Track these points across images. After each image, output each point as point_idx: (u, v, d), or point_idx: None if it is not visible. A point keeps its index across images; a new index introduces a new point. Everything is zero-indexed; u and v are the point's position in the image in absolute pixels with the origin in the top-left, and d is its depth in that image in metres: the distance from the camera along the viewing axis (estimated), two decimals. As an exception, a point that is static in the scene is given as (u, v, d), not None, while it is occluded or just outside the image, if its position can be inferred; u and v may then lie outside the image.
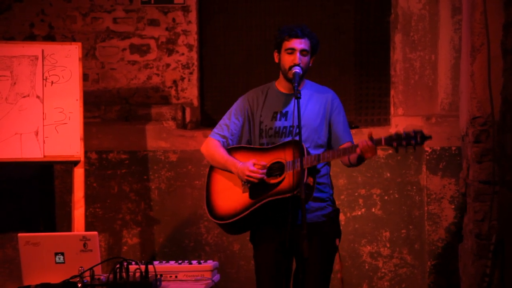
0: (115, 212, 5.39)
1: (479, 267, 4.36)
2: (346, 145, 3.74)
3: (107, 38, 5.49)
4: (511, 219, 4.07)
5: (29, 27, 5.48)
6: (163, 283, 3.55)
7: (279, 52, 3.75)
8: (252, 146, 3.79)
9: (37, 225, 5.40)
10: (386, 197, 5.26)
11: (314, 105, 3.76)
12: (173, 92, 5.49)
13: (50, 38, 5.46)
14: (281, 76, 3.79)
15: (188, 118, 5.45)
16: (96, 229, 5.15)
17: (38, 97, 4.68)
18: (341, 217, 4.99)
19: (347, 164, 3.73)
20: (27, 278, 3.51)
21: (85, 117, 4.80)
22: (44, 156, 4.64)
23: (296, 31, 3.68)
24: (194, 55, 5.49)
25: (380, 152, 5.25)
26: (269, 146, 3.72)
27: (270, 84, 3.87)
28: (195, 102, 5.50)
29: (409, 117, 5.28)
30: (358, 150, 3.46)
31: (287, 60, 3.69)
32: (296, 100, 3.50)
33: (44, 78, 4.69)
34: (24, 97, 4.67)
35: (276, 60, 3.79)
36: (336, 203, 3.86)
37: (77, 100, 4.71)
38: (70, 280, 3.35)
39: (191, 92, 5.49)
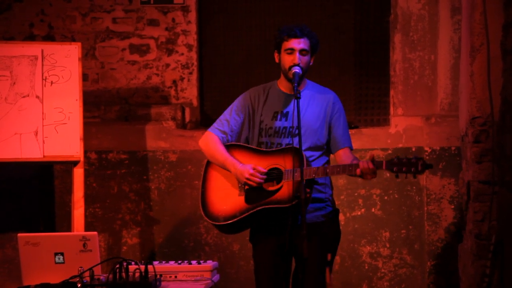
0: (115, 212, 5.39)
1: (478, 267, 4.36)
2: (344, 150, 3.75)
3: (106, 38, 5.49)
4: (510, 220, 4.07)
5: (28, 27, 5.48)
6: (162, 283, 3.55)
7: (279, 52, 3.75)
8: (251, 146, 3.78)
9: (37, 225, 5.40)
10: (385, 197, 5.26)
11: (315, 106, 3.76)
12: (172, 92, 5.49)
13: (49, 38, 5.46)
14: (282, 76, 3.79)
15: (187, 118, 5.45)
16: (95, 229, 5.15)
17: (37, 97, 4.68)
18: (341, 217, 4.99)
19: (347, 174, 3.74)
20: (26, 278, 3.51)
21: (84, 117, 4.80)
22: (44, 156, 4.64)
23: (295, 31, 3.68)
24: (194, 55, 5.49)
25: (379, 153, 5.25)
26: (269, 149, 3.71)
27: (272, 83, 3.87)
28: (195, 102, 5.50)
29: (409, 117, 5.28)
30: (358, 171, 3.47)
31: (286, 60, 3.69)
32: (296, 101, 3.50)
33: (44, 78, 4.69)
34: (23, 97, 4.67)
35: (277, 60, 3.79)
36: (336, 203, 3.86)
37: (76, 100, 4.71)
38: (70, 280, 3.35)
39: (190, 92, 5.49)
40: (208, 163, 3.82)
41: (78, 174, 4.67)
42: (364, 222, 5.27)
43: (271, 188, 3.60)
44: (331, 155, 3.85)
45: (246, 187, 3.63)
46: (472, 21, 4.38)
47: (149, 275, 3.37)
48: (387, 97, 5.43)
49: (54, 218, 5.39)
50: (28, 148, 4.61)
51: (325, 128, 3.75)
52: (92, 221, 5.34)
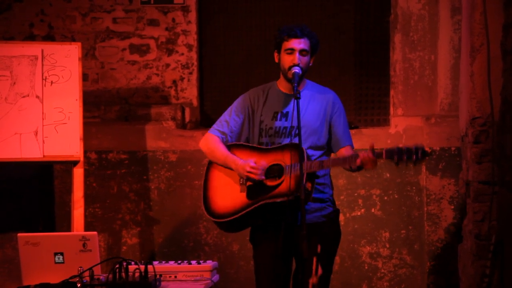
0: (115, 212, 5.39)
1: (478, 267, 4.36)
2: (345, 148, 3.75)
3: (106, 38, 5.49)
4: (510, 220, 4.07)
5: (28, 27, 5.48)
6: (162, 283, 3.55)
7: (278, 52, 3.75)
8: (252, 145, 3.79)
9: (37, 225, 5.40)
10: (385, 198, 5.26)
11: (315, 106, 3.76)
12: (172, 92, 5.49)
13: (49, 38, 5.46)
14: (281, 76, 3.79)
15: (187, 118, 5.45)
16: (95, 229, 5.15)
17: (37, 97, 4.68)
18: (341, 217, 4.97)
19: (347, 169, 3.73)
20: (26, 278, 3.51)
21: (84, 117, 4.80)
22: (44, 156, 4.64)
23: (296, 31, 3.68)
24: (194, 55, 5.49)
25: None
26: (269, 146, 3.72)
27: (272, 84, 3.87)
28: (195, 102, 5.50)
29: (409, 117, 5.28)
30: (358, 161, 3.47)
31: (286, 60, 3.69)
32: (295, 101, 3.50)
33: (44, 78, 4.69)
34: (23, 97, 4.67)
35: (276, 60, 3.79)
36: (336, 203, 3.86)
37: (76, 100, 4.71)
38: (70, 280, 3.35)
39: (190, 92, 5.49)
40: (210, 164, 3.83)
41: (78, 174, 4.67)
42: (364, 222, 5.27)
43: (271, 183, 3.60)
44: (332, 154, 3.85)
45: (248, 183, 3.64)
46: (472, 21, 4.38)
47: (149, 275, 3.37)
48: (387, 97, 5.43)
49: (54, 218, 5.39)
50: (28, 148, 4.61)
51: (325, 127, 3.75)
52: (92, 221, 5.34)
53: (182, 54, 5.48)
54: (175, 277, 3.69)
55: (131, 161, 5.38)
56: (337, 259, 5.14)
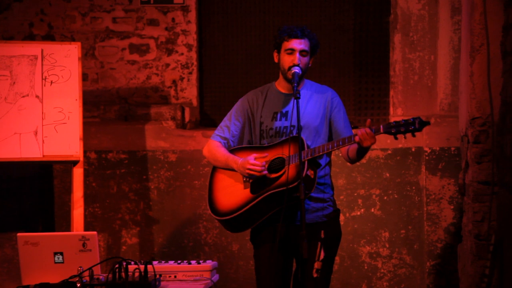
0: (114, 212, 5.39)
1: (478, 267, 4.35)
2: None
3: (106, 38, 5.49)
4: (510, 220, 4.07)
5: (28, 27, 5.48)
6: (162, 283, 3.55)
7: (278, 53, 3.75)
8: (251, 145, 3.80)
9: (36, 225, 5.40)
10: (385, 198, 5.26)
11: (314, 104, 3.77)
12: (172, 92, 5.49)
13: (49, 37, 5.46)
14: (280, 76, 3.79)
15: (187, 118, 5.45)
16: (95, 229, 5.15)
17: (37, 96, 4.68)
18: (340, 217, 4.96)
19: (348, 159, 3.73)
20: (26, 277, 3.51)
21: (84, 116, 4.80)
22: (43, 156, 4.64)
23: (296, 32, 3.68)
24: (194, 55, 5.49)
25: (379, 153, 5.25)
26: (269, 144, 3.73)
27: (270, 85, 3.87)
28: (195, 102, 5.51)
29: (409, 117, 5.27)
30: (356, 138, 3.46)
31: (286, 60, 3.69)
32: (295, 100, 3.50)
33: (44, 77, 4.69)
34: (23, 96, 4.67)
35: (276, 60, 3.79)
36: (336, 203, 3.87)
37: (76, 99, 4.71)
38: (69, 280, 3.34)
39: (190, 92, 5.49)
40: (214, 169, 3.84)
41: (78, 173, 4.67)
42: (363, 222, 5.27)
43: (274, 175, 3.61)
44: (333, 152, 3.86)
45: (251, 180, 3.65)
46: (472, 22, 4.38)
47: (149, 275, 3.37)
48: (387, 97, 5.44)
49: (53, 217, 5.39)
50: (28, 148, 4.61)
51: (325, 125, 3.76)
52: (91, 220, 5.34)
53: (182, 54, 5.48)
54: (175, 277, 3.69)
55: (130, 161, 5.38)
56: (337, 259, 5.15)
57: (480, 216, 4.37)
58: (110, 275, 3.33)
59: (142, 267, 3.38)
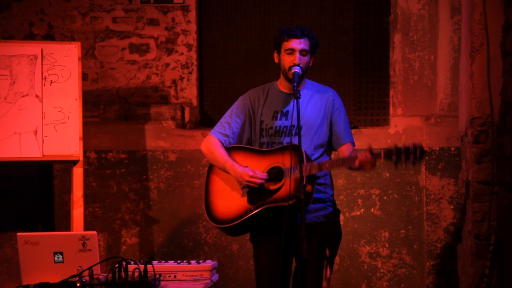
0: (114, 212, 5.39)
1: (478, 267, 4.35)
2: (346, 145, 3.75)
3: (106, 38, 5.49)
4: (510, 220, 4.07)
5: (28, 27, 5.48)
6: (162, 283, 3.55)
7: (279, 53, 3.76)
8: (251, 147, 3.79)
9: (36, 225, 5.40)
10: (385, 197, 5.26)
11: (315, 105, 3.77)
12: (172, 91, 5.49)
13: (49, 37, 5.46)
14: (281, 76, 3.80)
15: (187, 118, 5.45)
16: (95, 229, 5.15)
17: (37, 96, 4.67)
18: (340, 217, 4.96)
19: (347, 167, 3.73)
20: (25, 277, 3.51)
21: (84, 116, 4.80)
22: (43, 156, 4.64)
23: (296, 32, 3.68)
24: (194, 54, 5.49)
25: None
26: (268, 148, 3.72)
27: (271, 84, 3.87)
28: (194, 102, 5.50)
29: (408, 117, 5.29)
30: (357, 163, 3.46)
31: (286, 60, 3.70)
32: (295, 100, 3.50)
33: (43, 77, 4.69)
34: (23, 96, 4.67)
35: (276, 61, 3.79)
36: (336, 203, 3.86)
37: (76, 99, 4.71)
38: (69, 280, 3.34)
39: (190, 91, 5.49)
40: (211, 167, 3.84)
41: (78, 173, 4.67)
42: (363, 222, 5.27)
43: (272, 187, 3.61)
44: (333, 152, 3.85)
45: (248, 188, 3.65)
46: (472, 22, 4.38)
47: (148, 275, 3.37)
48: (387, 97, 5.43)
49: (53, 217, 5.39)
50: (28, 148, 4.61)
51: (326, 125, 3.75)
52: (91, 220, 5.34)
53: (182, 53, 5.48)
54: (175, 276, 3.69)
55: (130, 161, 5.38)
56: (336, 259, 5.14)
57: (480, 216, 4.37)
58: (110, 275, 3.33)
59: (142, 267, 3.37)
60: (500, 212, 4.26)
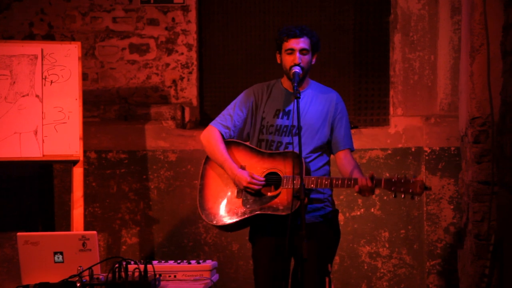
0: (114, 212, 5.39)
1: (478, 267, 4.35)
2: (344, 151, 3.75)
3: (106, 38, 5.49)
4: (510, 220, 4.07)
5: (28, 26, 5.48)
6: (162, 283, 3.55)
7: (280, 54, 3.76)
8: (252, 146, 3.78)
9: (36, 224, 5.40)
10: (385, 197, 5.26)
11: (317, 106, 3.76)
12: (172, 91, 5.49)
13: (49, 37, 5.46)
14: (284, 76, 3.80)
15: (187, 118, 5.45)
16: (95, 229, 5.15)
17: (37, 96, 4.68)
18: (340, 217, 4.99)
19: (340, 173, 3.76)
20: (25, 277, 3.51)
21: (84, 116, 4.80)
22: (43, 156, 4.64)
23: (295, 31, 3.69)
24: (194, 54, 5.49)
25: (379, 153, 5.26)
26: (269, 151, 3.71)
27: (275, 81, 3.87)
28: (195, 102, 5.50)
29: (408, 117, 5.29)
30: (356, 188, 3.48)
31: (287, 60, 3.70)
32: (296, 100, 3.50)
33: (44, 77, 4.69)
34: (23, 96, 4.67)
35: (278, 61, 3.80)
36: (335, 203, 3.86)
37: (76, 99, 4.71)
38: (69, 280, 3.34)
39: (190, 91, 5.49)
40: (207, 160, 3.82)
41: (78, 173, 4.67)
42: (363, 222, 5.27)
43: (269, 194, 3.61)
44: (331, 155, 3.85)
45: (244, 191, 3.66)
46: (472, 22, 4.38)
47: (148, 275, 3.37)
48: (387, 97, 5.43)
49: (53, 217, 5.39)
50: (28, 147, 4.61)
51: (327, 127, 3.75)
52: (91, 220, 5.34)
53: (182, 53, 5.48)
54: (175, 276, 3.69)
55: (130, 161, 5.38)
56: (336, 259, 5.15)
57: (480, 216, 4.37)
58: (110, 275, 3.33)
59: (142, 266, 3.37)
60: (500, 212, 4.26)
